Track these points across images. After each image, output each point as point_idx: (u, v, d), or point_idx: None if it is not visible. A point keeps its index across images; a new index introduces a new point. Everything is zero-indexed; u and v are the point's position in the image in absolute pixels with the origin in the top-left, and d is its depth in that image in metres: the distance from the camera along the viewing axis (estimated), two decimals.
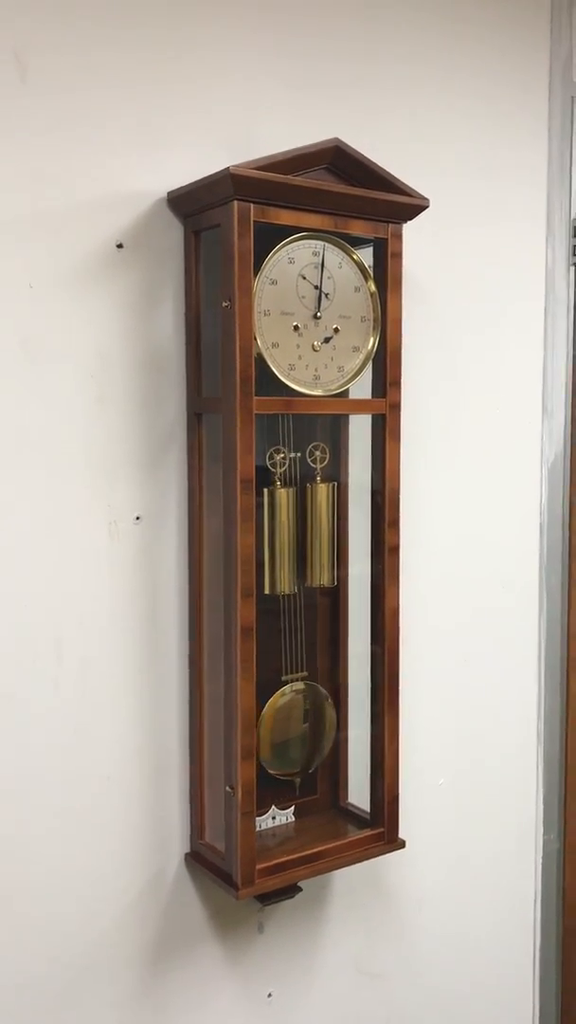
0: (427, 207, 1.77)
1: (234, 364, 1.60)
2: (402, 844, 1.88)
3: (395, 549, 1.82)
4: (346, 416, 1.88)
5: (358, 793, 1.97)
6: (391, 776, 1.86)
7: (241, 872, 1.68)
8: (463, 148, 2.16)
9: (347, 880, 2.05)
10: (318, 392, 1.72)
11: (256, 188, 1.57)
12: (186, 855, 1.81)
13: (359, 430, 1.87)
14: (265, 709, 1.82)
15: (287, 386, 1.69)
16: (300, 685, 1.87)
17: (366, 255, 1.78)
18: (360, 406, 1.81)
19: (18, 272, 1.57)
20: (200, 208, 1.66)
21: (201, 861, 1.78)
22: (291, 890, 1.84)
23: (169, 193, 1.69)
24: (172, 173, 1.70)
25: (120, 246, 1.67)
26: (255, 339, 1.64)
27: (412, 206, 1.75)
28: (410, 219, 1.77)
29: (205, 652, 1.77)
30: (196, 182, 1.62)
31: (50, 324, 1.61)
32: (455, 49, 2.13)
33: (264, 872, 1.71)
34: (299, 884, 1.84)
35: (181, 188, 1.67)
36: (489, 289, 2.23)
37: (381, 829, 1.86)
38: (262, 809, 1.87)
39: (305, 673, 1.88)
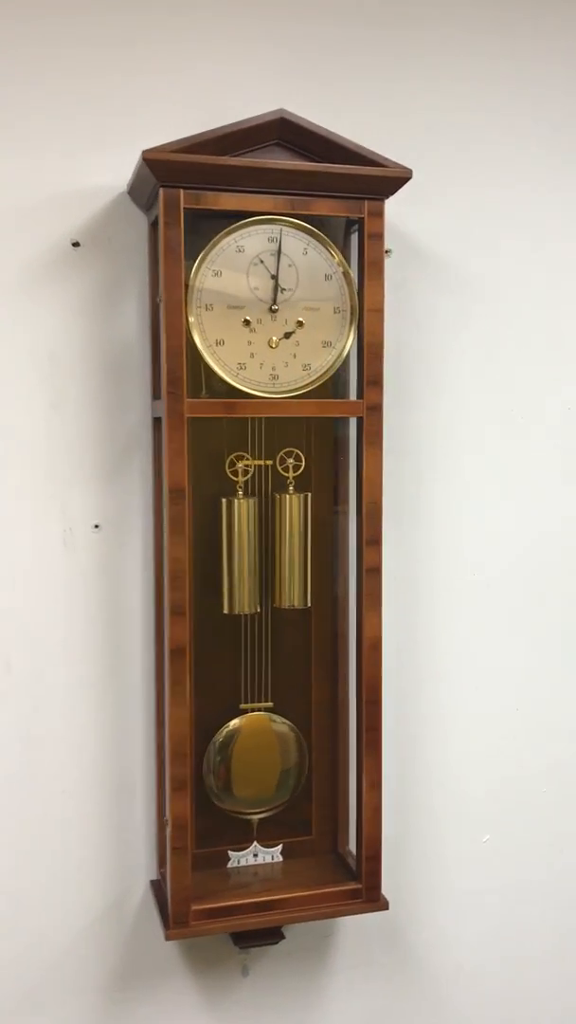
0: (408, 178, 1.53)
1: (162, 365, 1.48)
2: (384, 905, 1.65)
3: (375, 571, 1.60)
4: (345, 419, 1.69)
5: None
6: (370, 828, 1.64)
7: (172, 911, 1.56)
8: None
9: (359, 931, 1.84)
10: (277, 393, 1.55)
11: (182, 172, 1.45)
12: (151, 882, 1.72)
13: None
14: (214, 738, 1.68)
15: (241, 387, 1.54)
16: (258, 715, 1.70)
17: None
18: (328, 408, 1.61)
19: None
20: (150, 198, 1.56)
21: (158, 891, 1.68)
22: (272, 934, 1.69)
23: (129, 184, 1.61)
24: (133, 164, 1.61)
25: (76, 244, 1.61)
26: (194, 337, 1.51)
27: (388, 179, 1.53)
28: (390, 194, 1.54)
29: None
30: (137, 168, 1.52)
31: (1, 328, 1.59)
32: None
33: (202, 914, 1.57)
34: (282, 930, 1.69)
35: (134, 178, 1.58)
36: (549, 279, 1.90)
37: (357, 885, 1.65)
38: (243, 844, 1.73)
39: (269, 703, 1.70)
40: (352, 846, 1.77)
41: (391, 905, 1.72)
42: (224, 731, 1.67)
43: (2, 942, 1.65)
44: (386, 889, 1.68)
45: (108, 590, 1.66)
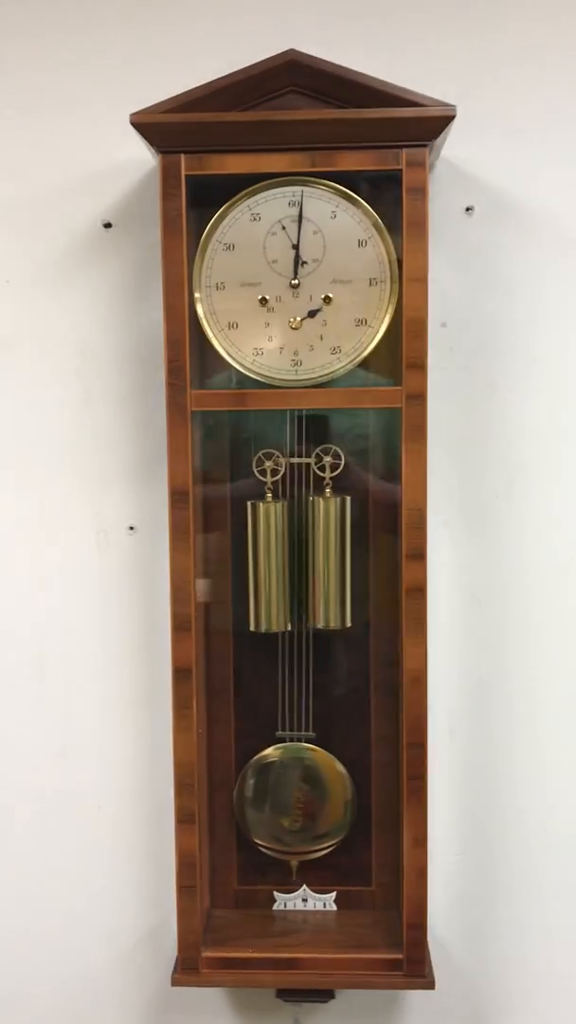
0: (451, 117, 1.26)
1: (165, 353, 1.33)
2: (429, 984, 1.40)
3: (418, 591, 1.35)
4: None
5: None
6: (413, 890, 1.39)
7: (180, 956, 1.42)
8: None
9: (430, 1007, 1.59)
10: (299, 381, 1.35)
11: (179, 135, 1.28)
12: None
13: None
14: (247, 768, 1.50)
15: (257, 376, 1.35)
16: (298, 746, 1.50)
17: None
18: (359, 397, 1.37)
19: None
20: None
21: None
22: (319, 993, 1.50)
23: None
24: None
25: (108, 225, 1.50)
26: (201, 321, 1.34)
27: (428, 119, 1.26)
28: (432, 138, 1.28)
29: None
30: None
31: (30, 320, 1.51)
32: None
33: (215, 963, 1.42)
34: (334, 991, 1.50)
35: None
36: None
37: (399, 956, 1.41)
38: (290, 887, 1.55)
39: (311, 733, 1.50)
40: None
41: (476, 982, 1.52)
42: (258, 761, 1.51)
43: (38, 960, 1.60)
44: (466, 962, 1.49)
45: (143, 594, 1.54)
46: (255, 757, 1.50)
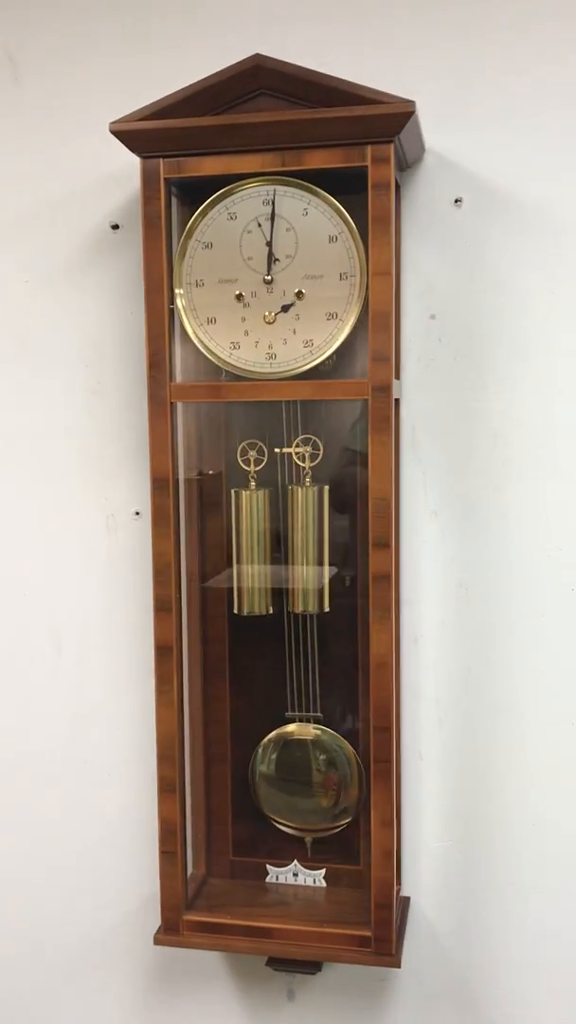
0: (410, 112, 1.27)
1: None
2: (395, 962, 1.43)
3: (384, 578, 1.37)
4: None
5: (417, 877, 1.57)
6: (380, 872, 1.42)
7: (163, 918, 1.50)
8: None
9: (420, 983, 1.61)
10: (273, 374, 1.40)
11: (157, 140, 1.36)
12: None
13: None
14: (261, 745, 1.57)
15: (233, 369, 1.41)
16: (311, 727, 1.55)
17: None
18: (328, 390, 1.40)
19: (12, 269, 1.63)
20: None
21: None
22: (307, 964, 1.56)
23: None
24: None
25: (116, 227, 1.59)
26: (182, 316, 1.41)
27: (388, 116, 1.28)
28: (395, 133, 1.29)
29: None
30: None
31: (44, 317, 1.63)
32: None
33: (194, 926, 1.50)
34: (320, 963, 1.55)
35: None
36: None
37: (367, 932, 1.45)
38: (282, 860, 1.61)
39: (318, 715, 1.55)
40: (406, 885, 1.57)
41: (462, 962, 1.57)
42: (272, 738, 1.58)
43: (51, 918, 1.73)
44: (454, 943, 1.53)
45: (147, 574, 1.62)
46: (271, 735, 1.57)
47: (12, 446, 1.66)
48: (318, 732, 1.56)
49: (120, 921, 1.70)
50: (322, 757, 1.56)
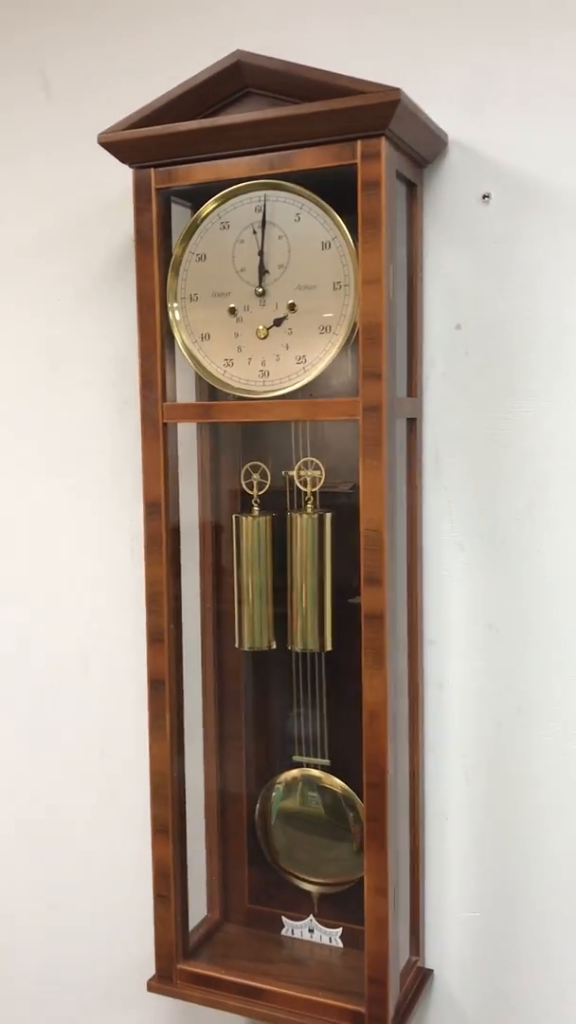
0: (397, 100, 1.13)
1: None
2: None
3: (376, 619, 1.24)
4: None
5: (442, 948, 1.41)
6: (374, 944, 1.28)
7: (157, 965, 1.43)
8: None
9: None
10: (266, 392, 1.30)
11: (144, 149, 1.29)
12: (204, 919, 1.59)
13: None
14: (265, 789, 1.47)
15: (225, 388, 1.33)
16: (316, 772, 1.43)
17: None
18: (317, 409, 1.27)
19: (45, 288, 1.62)
20: None
21: None
22: None
23: None
24: None
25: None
26: (175, 333, 1.34)
27: (371, 107, 1.15)
28: (383, 125, 1.16)
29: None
30: None
31: (74, 336, 1.61)
32: None
33: (187, 977, 1.41)
34: None
35: None
36: None
37: (361, 1009, 1.31)
38: (298, 914, 1.50)
39: (325, 761, 1.43)
40: (429, 956, 1.42)
41: None
42: (279, 781, 1.48)
43: (80, 948, 1.70)
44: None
45: None
46: (276, 779, 1.48)
47: (45, 465, 1.65)
48: (319, 777, 1.44)
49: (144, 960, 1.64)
50: (324, 807, 1.43)
